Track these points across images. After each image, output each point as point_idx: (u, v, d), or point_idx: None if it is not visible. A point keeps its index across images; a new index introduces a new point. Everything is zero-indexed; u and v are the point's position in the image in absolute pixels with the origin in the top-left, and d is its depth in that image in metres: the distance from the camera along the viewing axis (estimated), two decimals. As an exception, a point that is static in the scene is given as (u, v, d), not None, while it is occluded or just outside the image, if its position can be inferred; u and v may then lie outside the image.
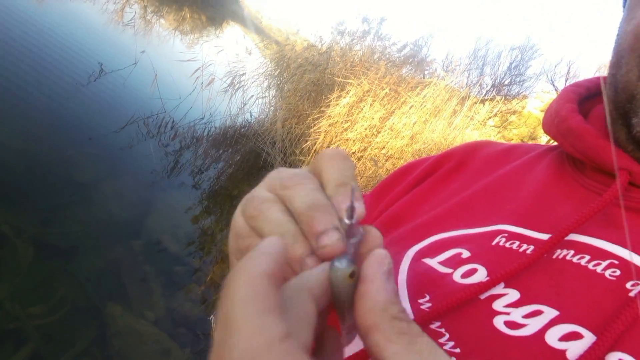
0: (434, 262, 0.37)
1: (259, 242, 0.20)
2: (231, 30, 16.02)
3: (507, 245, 0.36)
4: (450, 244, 0.38)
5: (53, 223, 2.47)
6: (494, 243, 0.36)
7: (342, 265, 0.21)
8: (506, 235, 0.37)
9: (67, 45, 4.84)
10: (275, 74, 6.07)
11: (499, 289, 0.32)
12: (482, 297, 0.32)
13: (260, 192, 0.27)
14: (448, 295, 0.33)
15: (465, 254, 0.37)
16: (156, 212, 3.24)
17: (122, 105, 4.44)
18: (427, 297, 0.34)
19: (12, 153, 2.70)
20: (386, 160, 4.35)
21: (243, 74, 5.68)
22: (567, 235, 0.33)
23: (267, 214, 0.25)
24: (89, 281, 2.27)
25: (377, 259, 0.21)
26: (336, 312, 0.23)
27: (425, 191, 0.49)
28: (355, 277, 0.21)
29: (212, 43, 5.06)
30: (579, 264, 0.32)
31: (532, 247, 0.34)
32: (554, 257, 0.33)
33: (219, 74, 5.33)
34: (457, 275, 0.35)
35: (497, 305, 0.31)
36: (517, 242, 0.35)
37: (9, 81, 3.41)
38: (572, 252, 0.33)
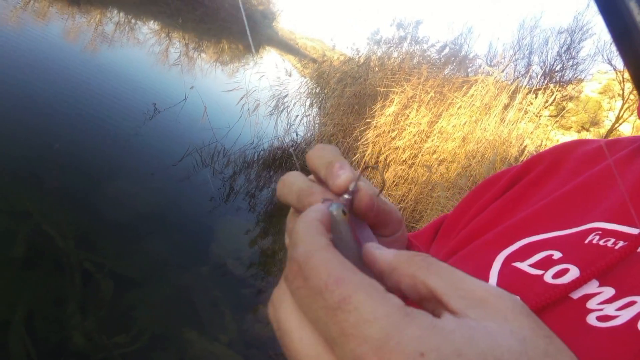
0: (524, 266, 0.37)
1: (310, 207, 0.25)
2: (269, 55, 16.54)
3: (600, 242, 0.35)
4: (541, 246, 0.38)
5: (127, 256, 2.63)
6: (586, 241, 0.35)
7: (337, 206, 0.26)
8: (600, 232, 0.36)
9: (122, 90, 5.22)
10: (316, 91, 6.17)
11: (593, 288, 0.32)
12: (576, 296, 0.32)
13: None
14: (538, 295, 0.32)
15: (557, 255, 0.36)
16: (218, 237, 3.36)
17: (177, 139, 4.69)
18: (518, 299, 0.34)
19: (86, 195, 2.93)
20: (439, 165, 4.24)
21: (286, 96, 5.83)
22: None
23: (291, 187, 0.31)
24: (164, 309, 2.39)
25: (367, 247, 0.25)
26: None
27: (514, 197, 0.48)
28: (346, 215, 0.26)
29: (253, 70, 5.26)
30: None
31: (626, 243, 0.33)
32: None
33: (263, 98, 5.51)
34: (548, 276, 0.34)
35: (592, 303, 0.31)
36: (612, 239, 0.34)
37: (75, 129, 3.72)
38: None
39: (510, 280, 0.36)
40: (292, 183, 0.30)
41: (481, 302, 0.19)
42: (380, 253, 0.23)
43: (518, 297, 0.20)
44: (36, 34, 5.55)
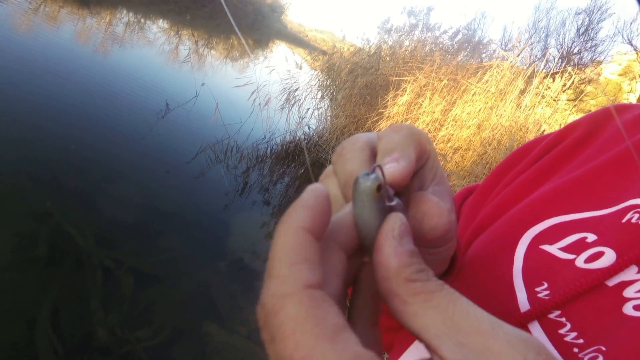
0: (553, 249, 0.33)
1: (310, 187, 0.20)
2: (278, 49, 16.51)
3: None
4: (573, 228, 0.34)
5: (146, 253, 2.67)
6: (624, 220, 0.32)
7: (368, 178, 0.20)
8: (639, 210, 0.32)
9: (135, 90, 5.27)
10: (327, 83, 6.13)
11: (631, 274, 0.28)
12: (611, 283, 0.29)
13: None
14: (569, 282, 0.30)
15: (591, 237, 0.32)
16: (234, 232, 3.38)
17: (190, 136, 4.73)
18: (545, 285, 0.31)
19: (103, 195, 2.97)
20: (454, 153, 4.18)
21: (297, 89, 5.81)
22: None
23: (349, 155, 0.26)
24: (184, 303, 2.42)
25: (387, 224, 0.20)
26: (365, 251, 0.22)
27: (544, 168, 0.43)
28: (382, 192, 0.20)
29: (263, 64, 5.25)
30: None
31: None
32: None
33: (274, 92, 5.51)
34: (580, 261, 0.31)
35: (629, 292, 0.28)
36: None
37: (90, 130, 3.78)
38: None
39: (537, 265, 0.33)
40: (346, 158, 0.26)
41: (483, 354, 0.15)
42: (388, 254, 0.19)
43: (538, 344, 0.16)
44: (48, 38, 5.63)
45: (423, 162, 0.29)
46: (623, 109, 0.45)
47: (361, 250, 0.22)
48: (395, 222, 0.20)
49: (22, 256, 2.17)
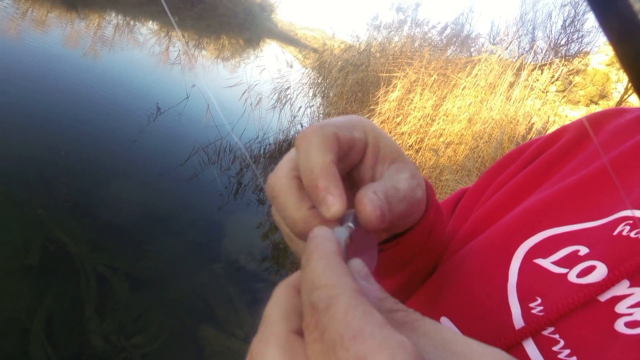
0: (546, 263, 0.33)
1: (316, 231, 0.22)
2: (269, 48, 16.45)
3: (632, 234, 0.30)
4: (565, 240, 0.34)
5: (140, 258, 2.65)
6: (615, 233, 0.31)
7: (342, 233, 0.23)
8: (630, 222, 0.31)
9: (125, 93, 5.23)
10: (319, 81, 6.13)
11: (622, 289, 0.28)
12: (603, 299, 0.28)
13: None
14: (562, 297, 0.29)
15: (583, 250, 0.32)
16: (229, 233, 3.37)
17: (182, 138, 4.70)
18: (539, 300, 0.31)
19: (95, 200, 2.95)
20: (446, 148, 4.20)
21: (288, 88, 5.80)
22: None
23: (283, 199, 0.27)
24: (180, 308, 2.41)
25: (353, 269, 0.21)
26: None
27: (535, 173, 0.43)
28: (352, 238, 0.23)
29: (254, 64, 5.24)
30: None
31: None
32: None
33: (265, 92, 5.49)
34: (572, 275, 0.31)
35: (621, 307, 0.28)
36: None
37: (80, 135, 3.75)
38: None
39: (531, 280, 0.33)
40: (283, 207, 0.26)
41: None
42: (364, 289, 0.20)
43: None
44: (37, 43, 5.57)
45: (358, 150, 0.29)
46: (620, 112, 0.44)
47: None
48: (357, 267, 0.21)
49: (15, 264, 2.15)
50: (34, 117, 3.58)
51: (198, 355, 2.18)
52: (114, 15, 9.88)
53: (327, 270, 0.18)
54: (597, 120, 0.43)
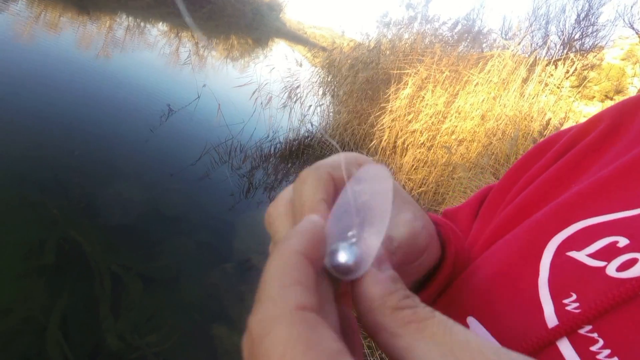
0: (581, 255, 0.30)
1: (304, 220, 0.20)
2: (278, 47, 16.48)
3: None
4: (602, 231, 0.31)
5: (153, 257, 2.67)
6: None
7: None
8: None
9: (137, 94, 5.28)
10: (328, 79, 6.11)
11: None
12: None
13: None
14: (600, 293, 0.27)
15: (623, 242, 0.29)
16: (240, 232, 3.38)
17: (193, 138, 4.73)
18: (574, 297, 0.28)
19: (108, 200, 2.98)
20: (459, 145, 4.15)
21: (298, 87, 5.79)
22: None
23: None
24: (192, 307, 2.42)
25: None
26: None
27: (569, 165, 0.40)
28: None
29: (264, 63, 5.25)
30: None
31: None
32: None
33: (275, 91, 5.49)
34: (611, 269, 0.28)
35: None
36: None
37: (93, 136, 3.79)
38: None
39: (565, 274, 0.30)
40: (277, 231, 0.26)
41: None
42: (368, 282, 0.18)
43: None
44: (50, 45, 5.65)
45: None
46: None
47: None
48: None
49: (30, 264, 2.18)
50: (48, 118, 3.63)
51: (211, 353, 2.18)
52: (124, 17, 9.98)
53: (275, 277, 0.16)
54: (634, 105, 0.40)
